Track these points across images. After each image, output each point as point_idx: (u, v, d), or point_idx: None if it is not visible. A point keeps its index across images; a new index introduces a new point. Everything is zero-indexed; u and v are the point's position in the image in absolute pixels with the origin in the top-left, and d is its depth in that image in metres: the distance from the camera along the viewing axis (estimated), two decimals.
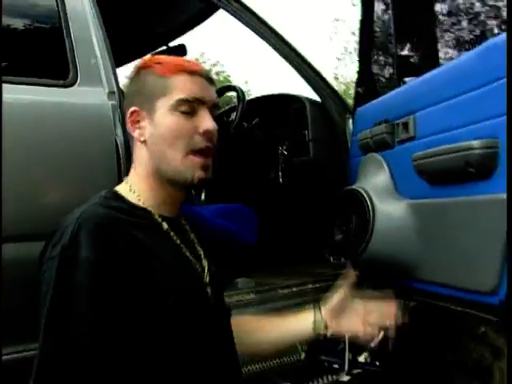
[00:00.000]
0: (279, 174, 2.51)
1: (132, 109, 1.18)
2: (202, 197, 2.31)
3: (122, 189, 1.20)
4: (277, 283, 2.22)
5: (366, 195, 1.93)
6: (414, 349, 2.36)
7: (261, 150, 2.60)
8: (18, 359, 1.43)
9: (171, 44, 2.82)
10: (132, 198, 1.17)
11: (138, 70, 1.20)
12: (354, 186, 2.05)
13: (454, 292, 1.64)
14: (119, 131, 1.69)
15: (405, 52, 2.24)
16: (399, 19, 2.20)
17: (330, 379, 2.29)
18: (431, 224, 1.73)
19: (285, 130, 2.57)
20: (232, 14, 2.23)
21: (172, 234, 1.18)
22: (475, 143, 1.49)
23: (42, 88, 1.62)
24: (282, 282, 2.25)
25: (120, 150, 1.67)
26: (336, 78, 19.82)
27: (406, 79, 2.24)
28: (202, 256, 1.24)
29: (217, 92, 2.59)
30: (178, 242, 1.19)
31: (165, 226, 1.18)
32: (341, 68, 19.43)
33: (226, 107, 2.75)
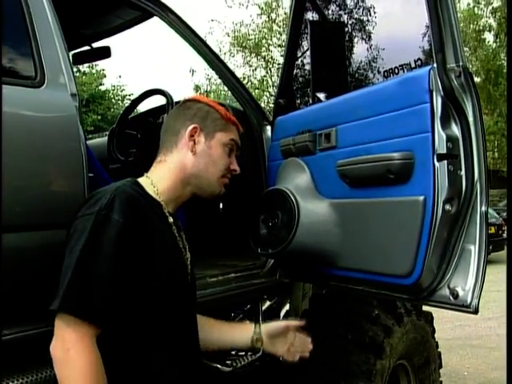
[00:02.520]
0: None
1: (194, 125, 1.55)
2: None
3: (143, 181, 1.51)
4: (204, 273, 2.44)
5: (290, 194, 2.22)
6: (319, 331, 2.69)
7: None
8: None
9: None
10: (150, 190, 1.48)
11: (204, 105, 1.62)
12: (278, 186, 2.33)
13: (372, 276, 1.98)
14: (81, 130, 1.83)
15: (319, 71, 2.57)
16: (315, 45, 2.53)
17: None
18: (352, 220, 2.06)
19: None
20: (168, 24, 2.42)
21: (174, 227, 1.51)
22: (396, 155, 1.84)
23: (12, 87, 1.71)
24: (208, 272, 2.47)
25: (82, 147, 1.81)
26: (208, 79, 20.12)
27: (319, 95, 2.58)
28: (187, 249, 1.59)
29: (142, 95, 2.75)
30: (177, 234, 1.53)
31: (170, 219, 1.51)
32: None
33: (151, 107, 2.92)
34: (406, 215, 1.83)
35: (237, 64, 21.09)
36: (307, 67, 2.65)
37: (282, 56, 16.52)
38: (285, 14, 18.55)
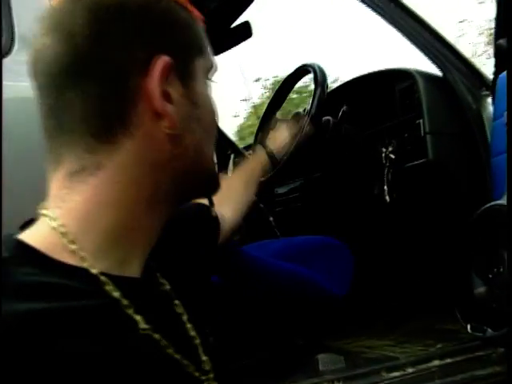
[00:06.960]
0: (384, 188, 1.70)
1: (166, 58, 0.60)
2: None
3: (40, 239, 0.58)
4: (376, 355, 1.47)
5: None
6: None
7: (352, 153, 1.81)
8: None
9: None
10: (66, 255, 0.58)
11: None
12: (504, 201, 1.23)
13: None
14: None
15: None
16: None
17: None
18: None
19: (388, 122, 1.78)
20: None
21: (141, 321, 0.61)
22: None
23: None
24: (385, 352, 1.49)
25: None
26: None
27: None
28: (195, 335, 0.70)
29: (290, 78, 1.81)
30: (156, 336, 0.62)
31: (128, 307, 0.60)
32: None
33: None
34: None
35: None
36: None
37: None
38: None
